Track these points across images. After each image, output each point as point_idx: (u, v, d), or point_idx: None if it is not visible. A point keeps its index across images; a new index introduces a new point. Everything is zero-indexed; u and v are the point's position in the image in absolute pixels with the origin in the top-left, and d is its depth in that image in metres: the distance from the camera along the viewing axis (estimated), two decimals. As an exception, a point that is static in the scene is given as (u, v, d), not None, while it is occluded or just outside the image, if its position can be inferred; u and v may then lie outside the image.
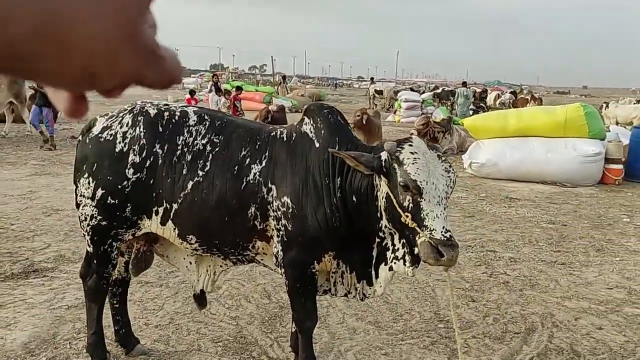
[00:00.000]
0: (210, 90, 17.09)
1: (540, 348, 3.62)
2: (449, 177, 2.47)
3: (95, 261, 2.99)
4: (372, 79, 30.21)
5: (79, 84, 0.36)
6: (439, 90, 28.75)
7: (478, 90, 28.95)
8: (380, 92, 28.62)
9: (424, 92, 29.14)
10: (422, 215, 2.39)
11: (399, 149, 2.50)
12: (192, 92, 16.66)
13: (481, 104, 24.50)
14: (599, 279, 5.00)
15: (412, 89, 29.08)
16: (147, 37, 0.37)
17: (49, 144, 11.32)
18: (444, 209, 2.41)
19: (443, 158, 2.53)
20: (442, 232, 2.34)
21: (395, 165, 2.46)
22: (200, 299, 3.17)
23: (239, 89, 17.52)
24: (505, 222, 7.00)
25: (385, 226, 2.62)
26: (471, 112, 20.38)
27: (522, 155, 9.74)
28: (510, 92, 32.45)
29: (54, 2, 0.32)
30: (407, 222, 2.42)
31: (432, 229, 2.35)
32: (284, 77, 33.62)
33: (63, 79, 0.35)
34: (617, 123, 15.90)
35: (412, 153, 2.46)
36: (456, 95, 22.30)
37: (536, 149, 9.71)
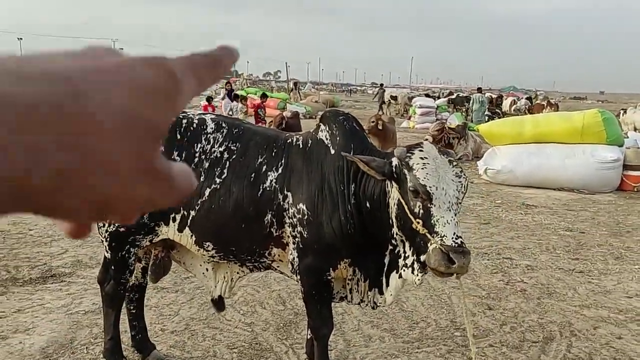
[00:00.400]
0: (224, 97, 17.12)
1: (559, 357, 3.57)
2: (460, 182, 2.43)
3: (112, 267, 3.01)
4: (381, 85, 30.06)
5: (92, 217, 0.36)
6: (453, 96, 28.64)
7: (493, 96, 28.73)
8: (395, 98, 28.59)
9: (438, 98, 29.05)
10: (432, 221, 2.36)
11: (409, 154, 2.48)
12: (209, 99, 16.75)
13: (496, 110, 24.33)
14: (618, 287, 4.93)
15: (427, 95, 28.99)
16: (161, 166, 0.37)
17: None
18: (455, 215, 2.38)
19: (454, 163, 2.49)
20: (453, 238, 2.31)
21: (405, 171, 2.45)
22: (218, 304, 3.18)
23: (264, 96, 17.47)
24: (522, 229, 6.94)
25: (397, 233, 2.61)
26: (486, 118, 20.27)
27: (539, 161, 9.65)
28: (526, 98, 32.22)
29: (83, 147, 0.32)
30: (418, 229, 2.41)
31: (442, 235, 2.32)
32: (295, 84, 33.72)
33: (77, 215, 0.35)
34: (635, 129, 15.72)
35: (421, 158, 2.44)
36: (471, 101, 22.18)
37: (553, 156, 9.62)
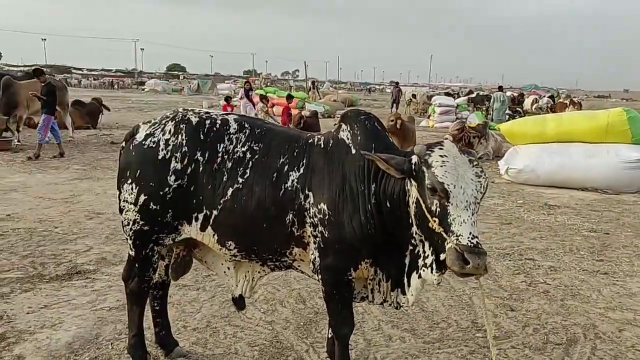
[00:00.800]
0: (242, 97, 17.03)
1: (583, 360, 3.53)
2: (479, 182, 2.40)
3: (137, 264, 3.06)
4: (396, 83, 29.66)
5: None
6: (473, 95, 28.38)
7: (515, 94, 28.39)
8: (414, 97, 28.43)
9: (458, 97, 28.82)
10: (449, 220, 2.34)
11: (428, 152, 2.47)
12: (227, 99, 16.87)
13: (517, 109, 24.04)
14: (643, 289, 4.84)
15: (448, 94, 28.77)
16: None
17: (37, 152, 10.84)
18: (473, 215, 2.35)
19: (475, 162, 2.47)
20: (468, 238, 2.28)
21: (424, 168, 2.44)
22: (239, 302, 3.21)
23: (290, 97, 17.48)
24: (545, 229, 6.85)
25: (416, 232, 2.60)
26: (507, 117, 20.06)
27: (562, 161, 9.52)
28: (549, 97, 31.78)
29: None
30: (434, 227, 2.39)
31: (458, 234, 2.30)
32: (313, 83, 33.69)
33: None
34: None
35: (441, 156, 2.43)
36: (492, 100, 21.98)
37: (576, 155, 9.48)
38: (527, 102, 27.93)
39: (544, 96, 32.53)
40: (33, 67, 13.64)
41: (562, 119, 10.34)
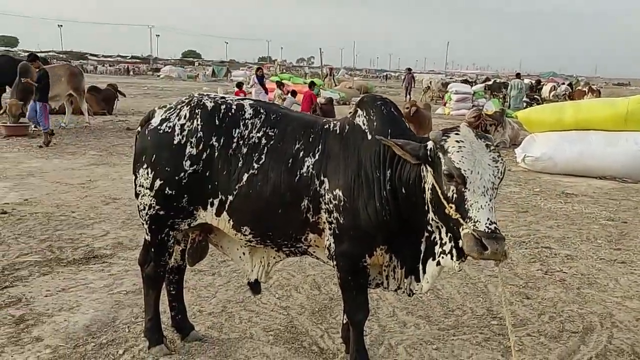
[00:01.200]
0: (254, 85, 16.85)
1: (599, 348, 3.49)
2: (497, 167, 2.37)
3: (153, 249, 3.08)
4: (409, 69, 29.24)
5: None
6: (490, 82, 28.05)
7: (532, 82, 28.00)
8: (431, 84, 28.18)
9: (475, 84, 28.51)
10: (466, 206, 2.31)
11: (444, 137, 2.44)
12: (239, 85, 16.84)
13: (535, 96, 23.74)
14: (662, 279, 4.77)
15: (466, 81, 28.46)
16: None
17: (45, 140, 10.72)
18: (490, 200, 2.32)
19: (492, 147, 2.42)
20: (486, 224, 2.26)
21: (440, 154, 2.41)
22: (255, 287, 3.23)
23: (312, 84, 17.32)
24: (561, 218, 6.78)
25: (432, 219, 2.58)
26: (524, 104, 19.82)
27: (580, 149, 9.39)
28: (568, 84, 31.32)
29: None
30: (451, 214, 2.37)
31: (476, 220, 2.28)
32: (331, 70, 33.53)
33: None
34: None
35: (457, 141, 2.39)
36: (509, 87, 21.72)
37: (595, 143, 9.34)
38: (545, 90, 27.55)
39: (562, 83, 32.06)
40: (28, 53, 13.44)
41: (581, 107, 10.18)
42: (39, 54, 14.79)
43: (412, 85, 27.35)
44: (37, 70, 11.16)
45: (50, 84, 11.31)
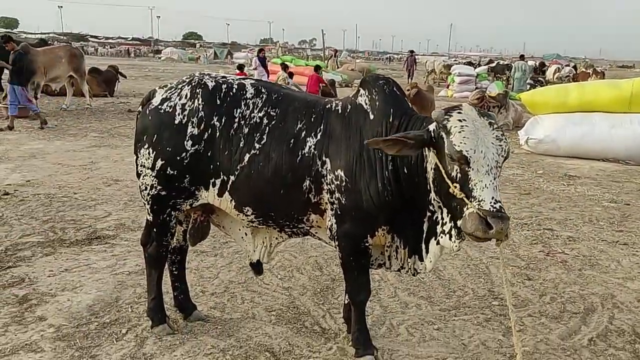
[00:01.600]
0: (257, 67, 16.67)
1: (600, 329, 3.51)
2: (500, 145, 2.34)
3: (155, 229, 3.08)
4: (411, 51, 28.92)
5: None
6: (493, 64, 27.83)
7: (536, 63, 27.78)
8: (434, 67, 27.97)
9: (479, 66, 28.30)
10: (470, 185, 2.30)
11: (446, 116, 2.41)
12: (240, 67, 16.72)
13: (539, 78, 23.55)
14: (664, 260, 4.78)
15: (470, 63, 28.23)
16: None
17: (40, 120, 10.56)
18: (494, 179, 2.30)
19: (495, 125, 2.39)
20: (491, 202, 2.24)
21: (443, 134, 2.38)
22: (257, 267, 3.23)
23: (318, 68, 17.18)
24: (564, 200, 6.77)
25: (434, 199, 2.57)
26: (528, 86, 19.68)
27: (584, 131, 9.34)
28: (572, 66, 31.08)
29: None
30: (455, 193, 2.35)
31: (480, 199, 2.26)
32: (335, 51, 33.25)
33: None
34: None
35: (460, 120, 2.36)
36: (513, 69, 21.54)
37: (598, 125, 9.29)
38: (549, 72, 27.33)
39: (566, 66, 31.81)
40: (1, 35, 13.12)
41: (585, 89, 10.10)
42: (39, 36, 14.66)
43: (415, 68, 27.10)
44: (12, 52, 10.87)
45: (34, 66, 11.20)
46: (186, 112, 2.86)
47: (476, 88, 18.51)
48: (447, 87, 21.98)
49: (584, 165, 8.97)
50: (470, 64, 28.27)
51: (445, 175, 2.39)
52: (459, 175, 2.34)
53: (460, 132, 2.33)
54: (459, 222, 2.36)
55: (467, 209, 2.29)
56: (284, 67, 17.00)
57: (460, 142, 2.31)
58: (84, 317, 3.41)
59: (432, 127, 2.47)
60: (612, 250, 4.98)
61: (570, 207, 6.41)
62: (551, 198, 6.83)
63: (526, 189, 7.27)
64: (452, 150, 2.32)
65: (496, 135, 2.36)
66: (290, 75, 16.57)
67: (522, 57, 22.91)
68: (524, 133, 10.11)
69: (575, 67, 30.84)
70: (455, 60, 37.89)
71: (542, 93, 10.80)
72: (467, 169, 2.31)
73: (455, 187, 2.35)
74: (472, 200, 2.28)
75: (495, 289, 4.06)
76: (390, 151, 2.46)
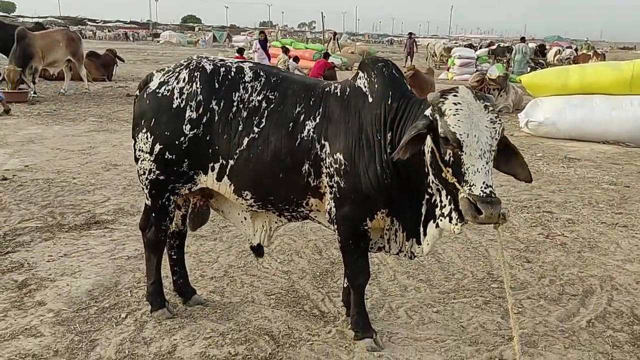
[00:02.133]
0: (257, 50, 16.53)
1: (599, 311, 3.52)
2: (494, 128, 2.31)
3: (153, 214, 3.08)
4: (410, 34, 28.63)
5: None
6: (494, 47, 27.62)
7: (536, 45, 27.58)
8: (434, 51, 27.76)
9: (479, 48, 28.10)
10: (462, 169, 2.28)
11: (441, 99, 2.38)
12: (240, 51, 16.59)
13: (540, 61, 23.40)
14: (663, 243, 4.78)
15: (470, 46, 28.01)
16: None
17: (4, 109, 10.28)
18: (487, 163, 2.28)
19: (491, 108, 2.36)
20: (481, 187, 2.23)
21: (437, 117, 2.36)
22: (258, 250, 3.23)
23: (327, 55, 17.02)
24: (564, 182, 6.76)
25: (432, 182, 2.56)
26: (529, 69, 19.56)
27: (584, 113, 9.29)
28: (574, 49, 30.85)
29: None
30: (447, 177, 2.34)
31: (471, 184, 2.25)
32: (335, 34, 32.98)
33: None
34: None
35: (454, 104, 2.34)
36: (513, 52, 21.41)
37: (599, 107, 9.24)
38: (550, 54, 27.14)
39: (569, 47, 31.59)
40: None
41: (585, 71, 10.02)
42: (37, 20, 14.54)
43: (415, 50, 26.88)
44: None
45: (32, 50, 11.23)
46: (184, 96, 2.83)
47: (476, 71, 18.39)
48: (448, 70, 21.86)
49: (584, 147, 8.94)
50: (470, 46, 28.02)
51: (438, 159, 2.38)
52: (451, 159, 2.32)
53: (454, 115, 2.30)
54: (459, 205, 2.35)
55: (460, 193, 2.28)
56: (285, 50, 16.87)
57: (454, 125, 2.28)
58: (84, 302, 3.41)
59: (428, 111, 2.45)
60: (612, 233, 4.98)
61: (570, 190, 6.41)
62: (551, 180, 6.82)
63: (526, 171, 7.24)
64: (447, 132, 2.30)
65: (490, 118, 2.32)
66: (296, 59, 16.45)
67: (522, 40, 22.80)
68: (524, 115, 10.06)
69: (576, 50, 30.63)
70: (455, 43, 37.59)
71: (543, 75, 10.72)
72: (459, 152, 2.29)
73: (448, 171, 2.34)
74: (464, 184, 2.27)
75: (494, 271, 4.06)
76: (415, 150, 2.42)
